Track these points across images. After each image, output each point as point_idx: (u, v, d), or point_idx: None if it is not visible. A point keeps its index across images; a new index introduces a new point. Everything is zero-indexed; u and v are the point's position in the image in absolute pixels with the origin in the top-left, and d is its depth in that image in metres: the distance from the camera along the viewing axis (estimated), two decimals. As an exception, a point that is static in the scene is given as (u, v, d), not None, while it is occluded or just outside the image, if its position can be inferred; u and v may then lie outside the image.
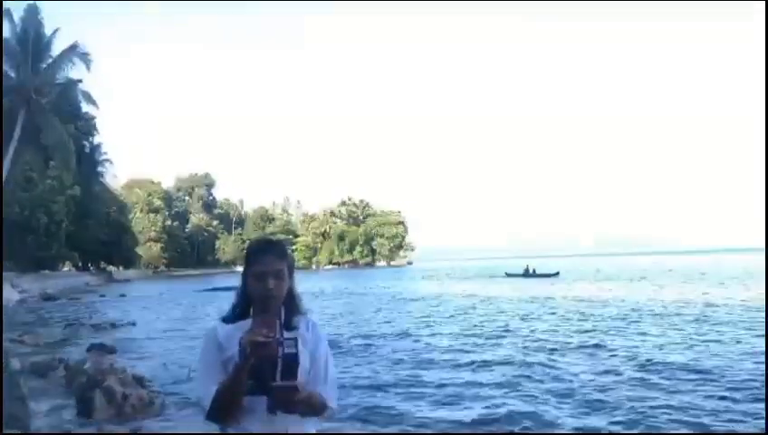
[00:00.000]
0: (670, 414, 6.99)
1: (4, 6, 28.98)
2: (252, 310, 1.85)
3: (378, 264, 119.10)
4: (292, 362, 1.76)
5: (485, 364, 10.57)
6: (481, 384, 8.95)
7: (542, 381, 8.95)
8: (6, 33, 28.93)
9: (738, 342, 12.28)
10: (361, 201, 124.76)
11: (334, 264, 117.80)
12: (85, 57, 30.78)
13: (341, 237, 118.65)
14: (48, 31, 30.47)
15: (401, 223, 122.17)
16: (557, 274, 47.46)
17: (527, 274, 47.89)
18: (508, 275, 49.70)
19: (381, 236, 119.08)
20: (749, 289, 26.14)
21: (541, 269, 50.25)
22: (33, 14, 29.83)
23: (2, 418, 4.91)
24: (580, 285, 35.87)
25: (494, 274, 55.46)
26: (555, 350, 11.94)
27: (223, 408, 1.73)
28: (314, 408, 1.81)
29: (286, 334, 1.82)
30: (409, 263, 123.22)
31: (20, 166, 34.54)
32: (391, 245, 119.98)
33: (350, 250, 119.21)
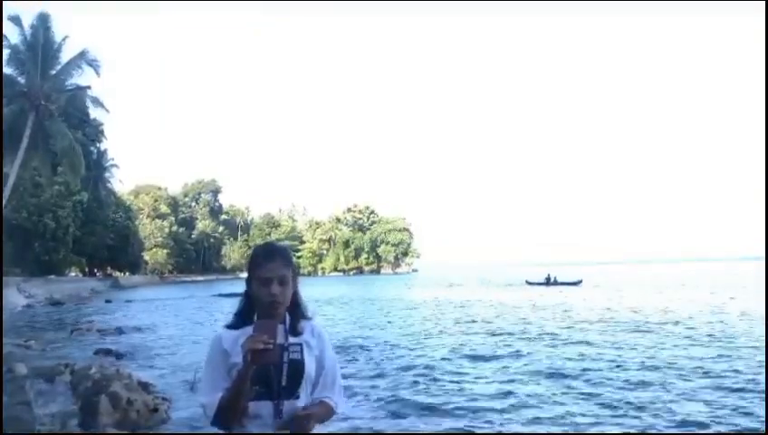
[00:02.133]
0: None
1: (14, 13, 29.34)
2: (256, 315, 1.85)
3: (383, 271, 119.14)
4: (297, 368, 1.80)
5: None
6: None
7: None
8: (16, 38, 29.21)
9: None
10: (367, 208, 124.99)
11: (339, 270, 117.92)
12: (94, 63, 31.02)
13: (347, 244, 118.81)
14: (58, 37, 30.75)
15: (406, 229, 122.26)
16: (580, 282, 45.29)
17: (549, 282, 45.89)
18: (529, 283, 47.83)
19: (387, 242, 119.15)
20: None
21: (562, 277, 47.92)
22: (42, 21, 30.10)
23: (2, 417, 4.92)
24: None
25: (513, 282, 53.63)
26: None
27: (227, 414, 1.74)
28: (323, 420, 1.87)
29: (291, 340, 1.83)
30: (414, 270, 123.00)
31: (29, 171, 34.79)
32: (397, 251, 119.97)
33: (356, 257, 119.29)
